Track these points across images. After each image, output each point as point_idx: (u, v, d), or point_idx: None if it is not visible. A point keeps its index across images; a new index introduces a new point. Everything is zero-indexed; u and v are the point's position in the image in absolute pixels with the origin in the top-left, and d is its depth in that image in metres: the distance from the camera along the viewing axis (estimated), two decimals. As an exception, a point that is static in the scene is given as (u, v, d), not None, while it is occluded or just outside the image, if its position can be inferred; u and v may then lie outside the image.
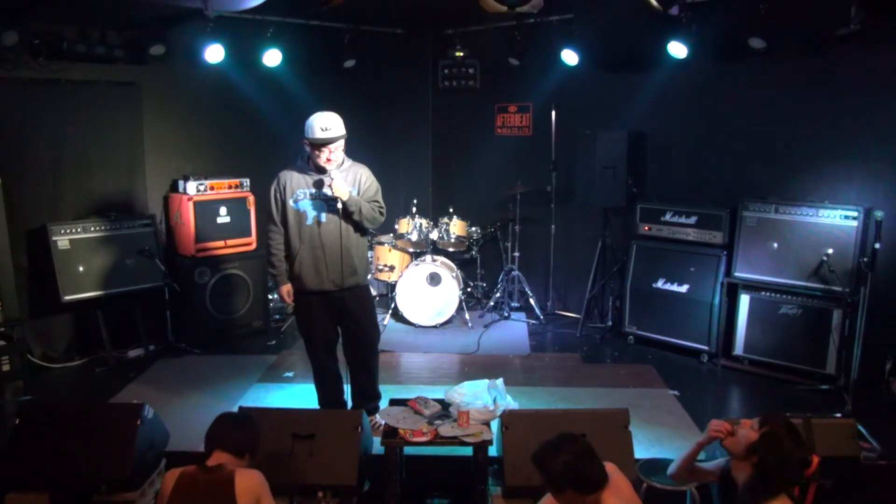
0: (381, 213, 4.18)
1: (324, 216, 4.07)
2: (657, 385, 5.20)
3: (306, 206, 4.08)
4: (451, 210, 6.74)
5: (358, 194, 4.11)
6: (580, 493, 2.47)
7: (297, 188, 4.09)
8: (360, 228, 4.16)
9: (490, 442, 3.56)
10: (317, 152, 4.01)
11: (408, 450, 3.74)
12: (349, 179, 4.11)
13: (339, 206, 4.02)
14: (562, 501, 2.53)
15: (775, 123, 5.54)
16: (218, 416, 2.97)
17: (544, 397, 4.92)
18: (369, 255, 6.26)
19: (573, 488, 2.47)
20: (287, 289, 4.27)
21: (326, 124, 3.96)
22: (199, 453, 4.02)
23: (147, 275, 5.82)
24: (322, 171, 4.05)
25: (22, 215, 5.40)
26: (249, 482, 2.73)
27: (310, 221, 4.08)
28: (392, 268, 6.69)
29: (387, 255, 6.71)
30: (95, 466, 3.36)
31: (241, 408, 3.72)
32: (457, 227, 6.68)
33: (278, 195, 4.14)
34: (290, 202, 4.09)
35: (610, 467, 2.57)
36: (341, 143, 4.04)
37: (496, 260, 7.25)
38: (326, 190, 4.02)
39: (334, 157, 4.03)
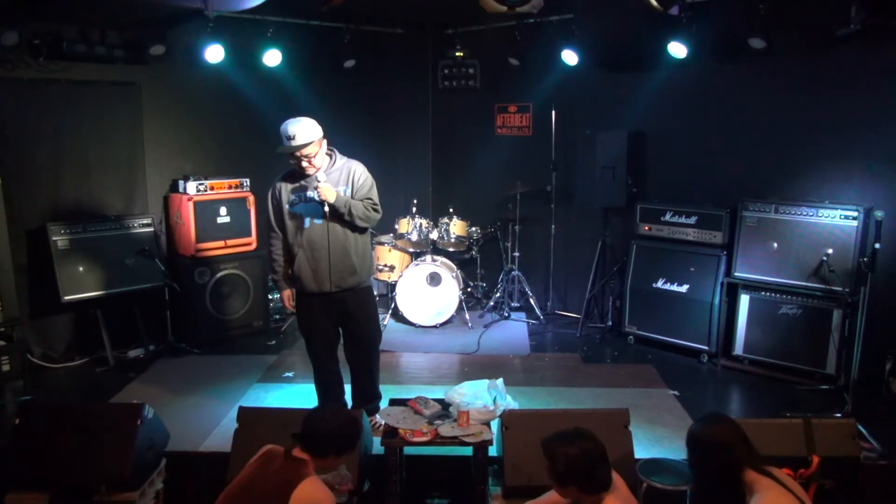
0: (375, 211, 4.14)
1: (318, 219, 4.06)
2: (657, 385, 5.20)
3: (301, 209, 4.08)
4: (451, 210, 6.74)
5: (352, 191, 4.09)
6: (583, 492, 2.47)
7: (291, 193, 4.09)
8: (356, 227, 4.14)
9: (490, 442, 3.56)
10: (291, 161, 4.00)
11: (408, 450, 3.73)
12: (342, 178, 4.09)
13: (326, 208, 4.00)
14: (564, 496, 2.53)
15: (775, 123, 5.53)
16: (316, 409, 2.91)
17: (544, 397, 4.92)
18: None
19: (577, 486, 2.46)
20: (288, 294, 4.28)
21: (291, 132, 3.89)
22: (199, 453, 4.06)
23: (147, 275, 5.82)
24: (309, 176, 4.04)
25: (22, 215, 5.41)
26: (305, 497, 2.61)
27: (306, 224, 4.07)
28: (392, 268, 6.69)
29: (387, 255, 6.71)
30: (95, 466, 3.35)
31: (241, 408, 3.71)
32: (457, 227, 6.68)
33: (275, 202, 4.15)
34: (287, 206, 4.09)
35: None
36: (312, 148, 3.95)
37: (496, 260, 7.25)
38: (312, 194, 4.01)
39: (307, 164, 3.97)
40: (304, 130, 3.93)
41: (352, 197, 4.08)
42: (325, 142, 4.06)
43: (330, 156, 4.13)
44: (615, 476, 2.59)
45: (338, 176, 4.09)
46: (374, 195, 4.17)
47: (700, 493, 2.66)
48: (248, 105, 6.48)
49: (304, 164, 3.97)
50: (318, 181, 3.98)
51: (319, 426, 2.78)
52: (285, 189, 4.11)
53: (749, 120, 5.67)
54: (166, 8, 5.23)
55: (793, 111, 5.43)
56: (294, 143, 3.91)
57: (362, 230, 4.20)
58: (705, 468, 2.60)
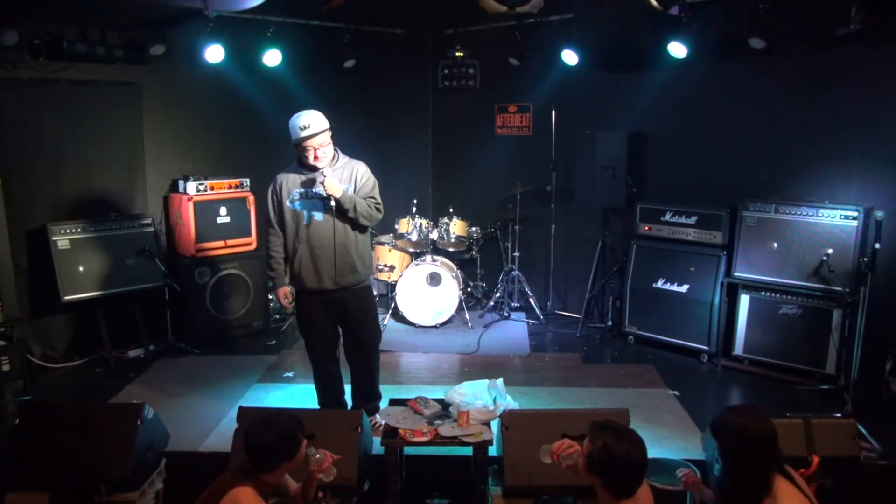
0: (377, 210, 4.15)
1: (320, 215, 4.06)
2: (657, 385, 5.20)
3: (302, 205, 4.08)
4: (451, 210, 6.74)
5: (354, 191, 4.10)
6: (605, 488, 2.46)
7: (292, 188, 4.09)
8: (358, 226, 4.15)
9: (490, 442, 3.56)
10: (303, 152, 4.00)
11: (408, 450, 3.73)
12: (345, 176, 4.10)
13: (332, 203, 4.01)
14: (586, 479, 2.52)
15: (775, 123, 5.54)
16: (249, 428, 2.79)
17: (544, 397, 4.92)
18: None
19: (602, 479, 2.45)
20: (284, 291, 4.29)
21: (305, 122, 3.94)
22: (199, 453, 4.06)
23: (147, 275, 5.82)
24: (315, 170, 4.04)
25: (22, 215, 5.41)
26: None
27: (307, 221, 4.08)
28: (392, 268, 6.69)
29: (387, 255, 6.71)
30: (95, 466, 3.35)
31: (241, 408, 3.71)
32: (457, 227, 6.68)
33: (275, 197, 4.14)
34: (287, 203, 4.09)
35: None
36: (325, 137, 4.00)
37: (496, 260, 7.25)
38: (319, 188, 4.02)
39: (322, 154, 4.00)
40: (317, 120, 3.98)
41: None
42: (331, 134, 4.08)
43: (334, 154, 4.14)
44: (646, 493, 2.57)
45: (341, 174, 4.10)
46: (377, 195, 4.18)
47: (726, 486, 2.63)
48: (248, 105, 6.49)
49: (320, 153, 3.99)
50: (325, 175, 3.98)
51: (259, 442, 2.71)
52: (286, 185, 4.11)
53: (749, 120, 5.67)
54: (166, 8, 5.22)
55: (793, 111, 5.44)
56: (309, 131, 3.94)
57: (363, 229, 4.20)
58: (746, 460, 2.55)
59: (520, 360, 5.80)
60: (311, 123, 3.95)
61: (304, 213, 4.08)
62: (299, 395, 4.91)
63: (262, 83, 6.47)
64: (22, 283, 5.40)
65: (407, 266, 6.61)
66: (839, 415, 4.42)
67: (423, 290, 6.48)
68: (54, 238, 5.42)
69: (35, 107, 5.45)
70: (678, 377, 5.33)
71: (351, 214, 4.05)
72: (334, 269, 4.08)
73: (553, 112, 6.77)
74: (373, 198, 4.14)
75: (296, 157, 4.15)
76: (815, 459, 2.89)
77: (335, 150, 4.14)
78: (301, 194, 4.08)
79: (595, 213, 6.52)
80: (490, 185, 7.19)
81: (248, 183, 6.33)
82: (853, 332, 4.70)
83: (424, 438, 3.52)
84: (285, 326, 6.54)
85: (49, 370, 5.52)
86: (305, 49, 6.54)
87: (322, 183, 3.98)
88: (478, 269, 7.20)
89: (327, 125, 4.02)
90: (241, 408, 3.70)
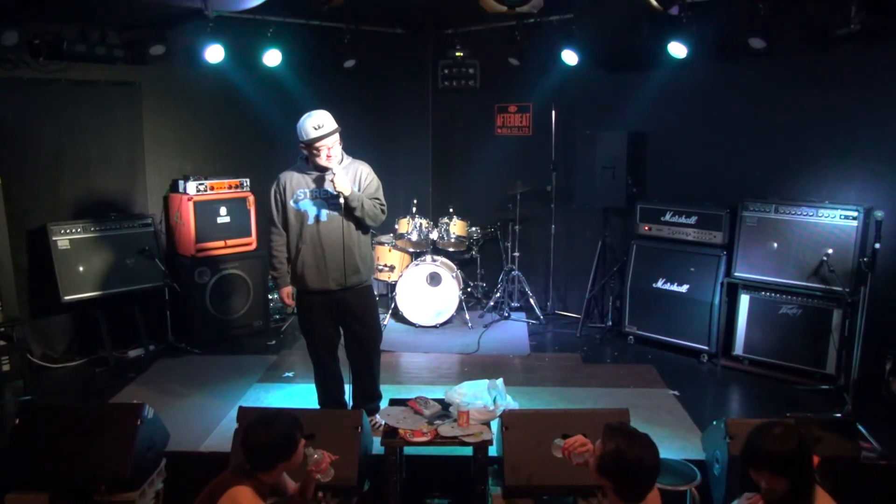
0: (382, 211, 4.16)
1: (325, 215, 4.06)
2: (657, 385, 5.20)
3: (307, 205, 4.08)
4: (451, 210, 6.74)
5: (359, 191, 4.11)
6: (615, 492, 2.45)
7: (297, 188, 4.09)
8: (361, 226, 4.14)
9: (490, 442, 3.56)
10: (315, 152, 4.00)
11: (408, 450, 3.73)
12: (350, 176, 4.10)
13: (341, 201, 4.01)
14: (597, 481, 2.51)
15: (775, 123, 5.54)
16: (248, 427, 2.79)
17: (544, 397, 4.92)
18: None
19: (612, 483, 2.45)
20: (288, 291, 4.28)
21: (318, 122, 3.95)
22: (199, 453, 4.06)
23: (147, 275, 5.82)
24: (322, 170, 4.04)
25: (22, 215, 5.41)
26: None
27: (311, 221, 4.07)
28: (392, 268, 6.69)
29: (387, 255, 6.71)
30: (95, 466, 3.35)
31: (241, 408, 3.71)
32: (457, 227, 6.68)
33: (278, 196, 4.13)
34: (291, 202, 4.09)
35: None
36: (336, 137, 4.02)
37: (496, 260, 7.25)
38: (328, 185, 4.01)
39: (333, 154, 4.01)
40: (329, 120, 3.99)
41: None
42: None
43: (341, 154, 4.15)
44: (655, 498, 2.56)
45: (345, 174, 4.09)
46: (381, 195, 4.18)
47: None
48: (248, 105, 6.49)
49: (332, 153, 3.99)
50: (334, 172, 3.98)
51: (257, 442, 2.70)
52: (290, 184, 4.10)
53: (749, 120, 5.67)
54: (166, 8, 5.22)
55: (793, 111, 5.43)
56: (322, 131, 3.94)
57: (366, 230, 4.21)
58: (809, 470, 2.60)
59: (520, 360, 5.80)
60: (324, 123, 3.96)
61: (308, 212, 4.08)
62: (299, 395, 4.91)
63: (262, 83, 6.47)
64: (22, 283, 5.40)
65: (407, 266, 6.61)
66: (839, 415, 4.42)
67: (423, 290, 6.48)
68: (54, 238, 5.42)
69: (35, 107, 5.45)
70: (678, 377, 5.33)
71: (358, 213, 4.05)
72: (338, 270, 4.08)
73: (553, 112, 6.76)
74: (377, 198, 4.15)
75: (300, 156, 4.15)
76: (816, 459, 2.89)
77: (341, 150, 4.15)
78: (307, 194, 4.07)
79: (595, 213, 6.52)
80: (490, 185, 7.19)
81: (248, 183, 6.33)
82: (853, 332, 4.70)
83: (424, 438, 3.52)
84: (285, 326, 6.54)
85: (49, 370, 5.52)
86: (305, 49, 6.54)
87: (332, 180, 3.98)
88: (478, 269, 7.20)
89: (337, 125, 4.03)
90: (241, 408, 3.70)
